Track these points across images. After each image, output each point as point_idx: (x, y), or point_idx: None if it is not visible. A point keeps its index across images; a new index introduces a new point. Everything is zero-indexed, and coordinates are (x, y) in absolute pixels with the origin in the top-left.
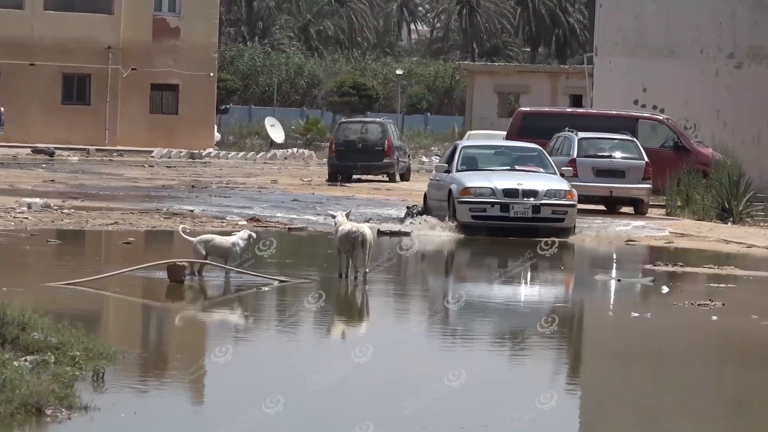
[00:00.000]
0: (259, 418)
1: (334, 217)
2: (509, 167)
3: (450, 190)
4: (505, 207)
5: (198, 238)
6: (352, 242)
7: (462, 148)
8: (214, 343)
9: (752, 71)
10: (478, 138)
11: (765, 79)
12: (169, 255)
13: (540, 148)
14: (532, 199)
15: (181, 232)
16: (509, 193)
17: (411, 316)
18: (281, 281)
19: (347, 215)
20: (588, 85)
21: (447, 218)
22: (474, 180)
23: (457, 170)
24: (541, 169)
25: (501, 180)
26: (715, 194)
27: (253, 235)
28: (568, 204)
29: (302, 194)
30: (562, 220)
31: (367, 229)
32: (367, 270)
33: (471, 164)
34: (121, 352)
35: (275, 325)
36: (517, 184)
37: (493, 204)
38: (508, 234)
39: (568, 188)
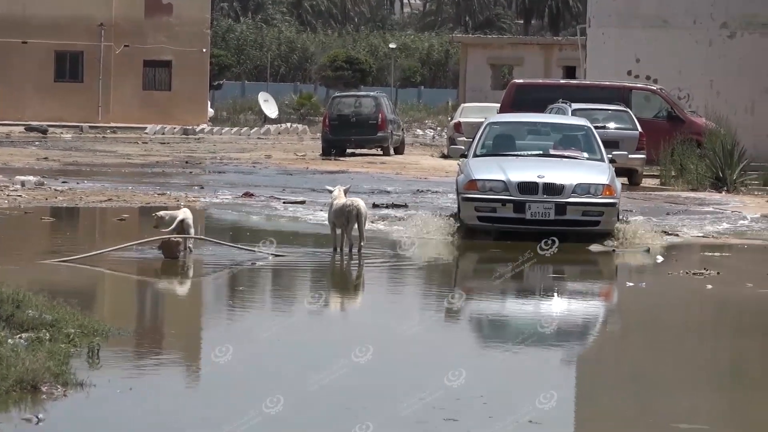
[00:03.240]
0: (251, 391)
1: (331, 191)
2: (542, 151)
3: (457, 183)
4: (519, 206)
5: (172, 213)
6: (347, 216)
7: (488, 125)
8: (209, 318)
9: (745, 40)
10: (499, 115)
11: (758, 48)
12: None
13: (588, 125)
14: (556, 196)
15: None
16: (526, 188)
17: (407, 290)
18: (276, 255)
19: (345, 191)
20: (581, 56)
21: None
22: (484, 170)
23: (475, 155)
24: (585, 154)
25: (518, 170)
26: (709, 163)
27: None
28: (604, 203)
29: (296, 168)
30: (597, 223)
31: (361, 203)
32: (363, 243)
33: (496, 147)
34: (116, 329)
35: (270, 299)
36: (538, 176)
37: (504, 202)
38: (523, 239)
39: (607, 182)
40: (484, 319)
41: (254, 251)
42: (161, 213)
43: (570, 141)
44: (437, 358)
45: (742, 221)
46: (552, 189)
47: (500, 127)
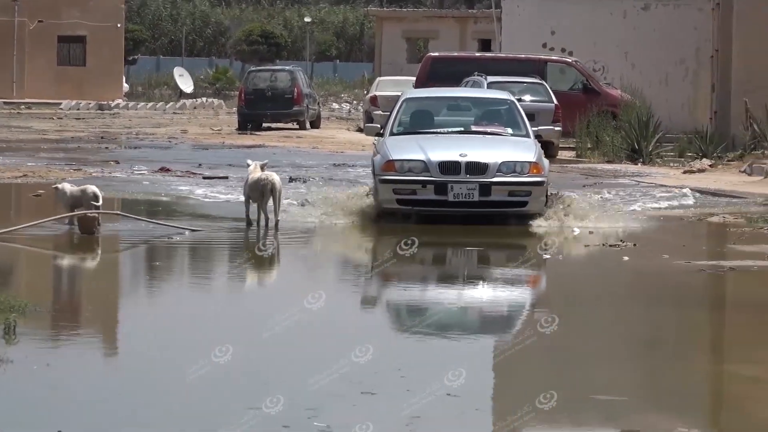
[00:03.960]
0: (165, 362)
1: (248, 165)
2: (463, 128)
3: (373, 164)
4: (441, 188)
5: (67, 186)
6: (261, 190)
7: (404, 101)
8: (126, 293)
9: (659, 12)
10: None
11: (672, 19)
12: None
13: (512, 99)
14: (480, 176)
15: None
16: (448, 168)
17: (320, 261)
18: (192, 230)
19: (262, 166)
20: (497, 29)
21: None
22: (402, 150)
23: (392, 133)
24: (509, 130)
25: (439, 149)
26: (625, 135)
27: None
28: (532, 182)
29: (212, 143)
30: (524, 203)
31: (276, 177)
32: (278, 218)
33: (413, 124)
34: (32, 305)
35: (187, 273)
36: (460, 155)
37: (425, 184)
38: (447, 222)
39: (533, 159)
40: (401, 299)
41: (170, 226)
42: (60, 185)
43: (493, 116)
44: (350, 335)
45: (684, 198)
46: (475, 168)
47: (418, 103)
